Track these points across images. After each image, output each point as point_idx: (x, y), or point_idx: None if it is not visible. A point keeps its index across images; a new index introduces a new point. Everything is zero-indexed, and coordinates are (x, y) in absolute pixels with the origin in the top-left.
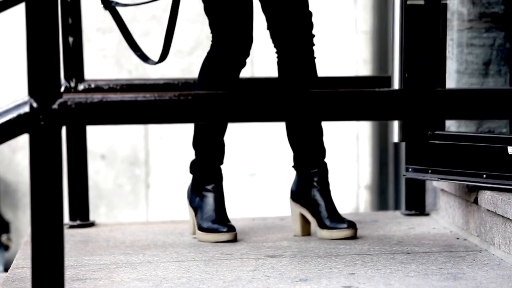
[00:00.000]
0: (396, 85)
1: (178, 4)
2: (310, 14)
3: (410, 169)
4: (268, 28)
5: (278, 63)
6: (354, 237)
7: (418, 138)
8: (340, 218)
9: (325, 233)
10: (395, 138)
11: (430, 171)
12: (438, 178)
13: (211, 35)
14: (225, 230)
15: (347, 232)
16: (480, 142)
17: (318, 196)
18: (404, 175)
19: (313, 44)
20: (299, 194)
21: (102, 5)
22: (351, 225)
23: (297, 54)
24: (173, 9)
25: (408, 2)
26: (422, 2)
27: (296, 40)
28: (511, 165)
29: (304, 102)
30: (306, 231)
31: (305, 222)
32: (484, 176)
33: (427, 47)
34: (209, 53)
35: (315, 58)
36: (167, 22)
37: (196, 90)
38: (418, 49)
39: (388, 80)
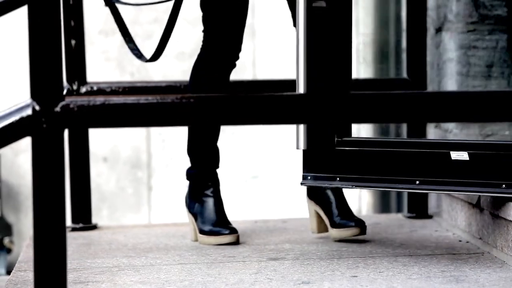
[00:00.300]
0: (301, 89)
1: (180, 7)
2: None
3: (309, 177)
4: (294, 26)
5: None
6: (362, 233)
7: (325, 145)
8: (349, 216)
9: (334, 232)
10: (300, 145)
11: (338, 178)
12: (353, 185)
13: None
14: (227, 232)
15: (354, 231)
16: (410, 148)
17: (330, 194)
18: (301, 183)
19: None
20: (313, 192)
21: (104, 1)
22: (359, 223)
23: None
24: (174, 11)
25: (314, 4)
26: (324, 5)
27: None
28: (455, 170)
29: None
30: (322, 228)
31: (321, 219)
32: (417, 182)
33: (332, 50)
34: (199, 55)
35: None
36: (166, 23)
37: (188, 91)
38: (323, 52)
39: (389, 82)
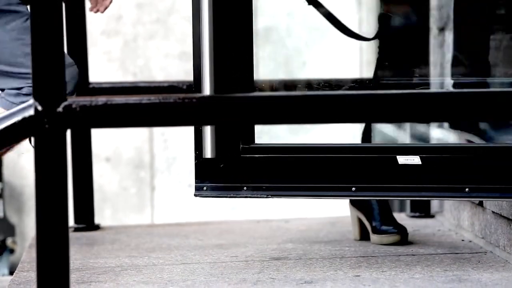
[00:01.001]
0: (207, 90)
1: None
2: None
3: (205, 188)
4: None
5: (377, 63)
6: (403, 243)
7: (229, 152)
8: (391, 223)
9: (375, 237)
10: (208, 153)
11: (245, 187)
12: (268, 195)
13: None
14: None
15: (394, 238)
16: (345, 153)
17: (373, 201)
18: (195, 195)
19: None
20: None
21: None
22: (400, 231)
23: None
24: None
25: None
26: None
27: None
28: (404, 175)
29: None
30: (364, 234)
31: (363, 226)
32: (354, 189)
33: (233, 49)
34: None
35: None
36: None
37: None
38: (225, 52)
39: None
